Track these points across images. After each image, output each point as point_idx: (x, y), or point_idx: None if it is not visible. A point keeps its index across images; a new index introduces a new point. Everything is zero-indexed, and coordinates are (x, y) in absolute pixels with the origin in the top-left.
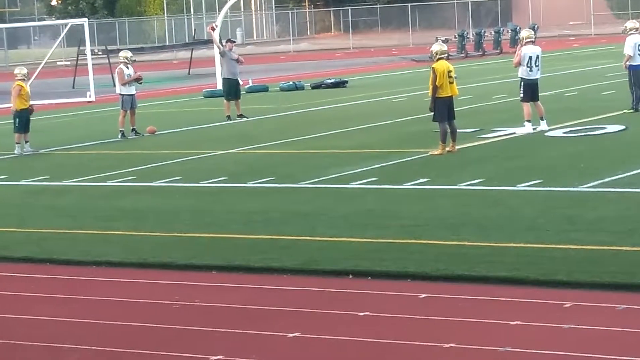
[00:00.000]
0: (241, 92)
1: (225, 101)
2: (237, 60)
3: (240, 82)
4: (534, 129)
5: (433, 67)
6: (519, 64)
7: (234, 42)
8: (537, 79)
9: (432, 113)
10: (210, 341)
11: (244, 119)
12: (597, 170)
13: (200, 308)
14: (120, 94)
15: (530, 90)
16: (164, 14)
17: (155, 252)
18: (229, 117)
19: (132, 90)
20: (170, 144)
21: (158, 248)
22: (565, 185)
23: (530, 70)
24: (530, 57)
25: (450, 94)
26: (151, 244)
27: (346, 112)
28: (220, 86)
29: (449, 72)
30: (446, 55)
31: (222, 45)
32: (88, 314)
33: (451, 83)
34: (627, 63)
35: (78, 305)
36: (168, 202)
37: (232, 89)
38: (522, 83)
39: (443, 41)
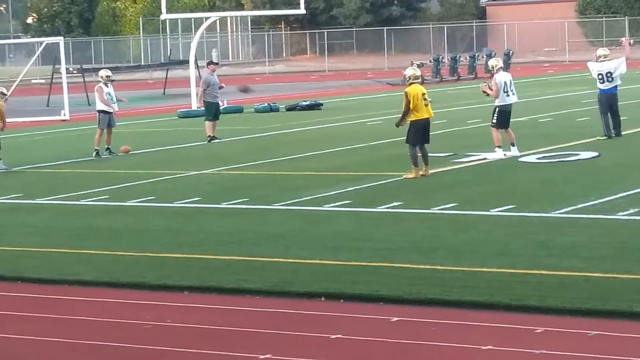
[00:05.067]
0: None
1: (208, 122)
2: (220, 87)
3: (221, 104)
4: (504, 154)
5: (406, 92)
6: (498, 93)
7: (217, 64)
8: (512, 104)
9: (402, 130)
10: None
11: (216, 141)
12: (569, 196)
13: (172, 328)
14: (98, 112)
15: (505, 117)
16: (139, 33)
17: (127, 271)
18: (212, 138)
19: (110, 108)
20: (144, 164)
21: (130, 267)
22: (538, 210)
23: (507, 96)
24: (505, 83)
25: (427, 116)
26: (123, 264)
27: (321, 134)
28: (194, 107)
29: (423, 94)
30: (420, 80)
31: (207, 67)
32: (58, 332)
33: (426, 105)
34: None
35: (48, 323)
36: (141, 221)
37: (213, 112)
38: (498, 109)
39: (418, 65)
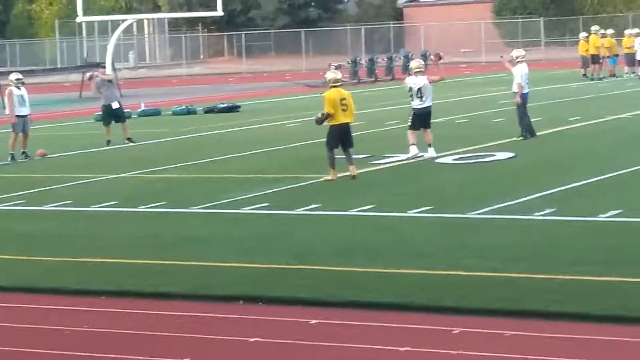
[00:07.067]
0: (132, 116)
1: (104, 126)
2: (110, 81)
3: (119, 105)
4: (420, 155)
5: (324, 96)
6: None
7: (104, 66)
8: (428, 108)
9: (320, 132)
10: None
11: (132, 144)
12: (486, 197)
13: (91, 333)
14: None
15: (420, 119)
16: (55, 36)
17: (45, 276)
18: (109, 142)
19: (23, 111)
20: (61, 168)
21: (48, 273)
22: (456, 211)
23: (421, 100)
24: (411, 88)
25: (345, 121)
26: (41, 269)
27: (239, 137)
28: None
29: (342, 99)
30: (340, 83)
31: (96, 76)
32: None
33: (344, 110)
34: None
35: None
36: (59, 226)
37: (110, 115)
38: (413, 112)
39: (336, 67)
